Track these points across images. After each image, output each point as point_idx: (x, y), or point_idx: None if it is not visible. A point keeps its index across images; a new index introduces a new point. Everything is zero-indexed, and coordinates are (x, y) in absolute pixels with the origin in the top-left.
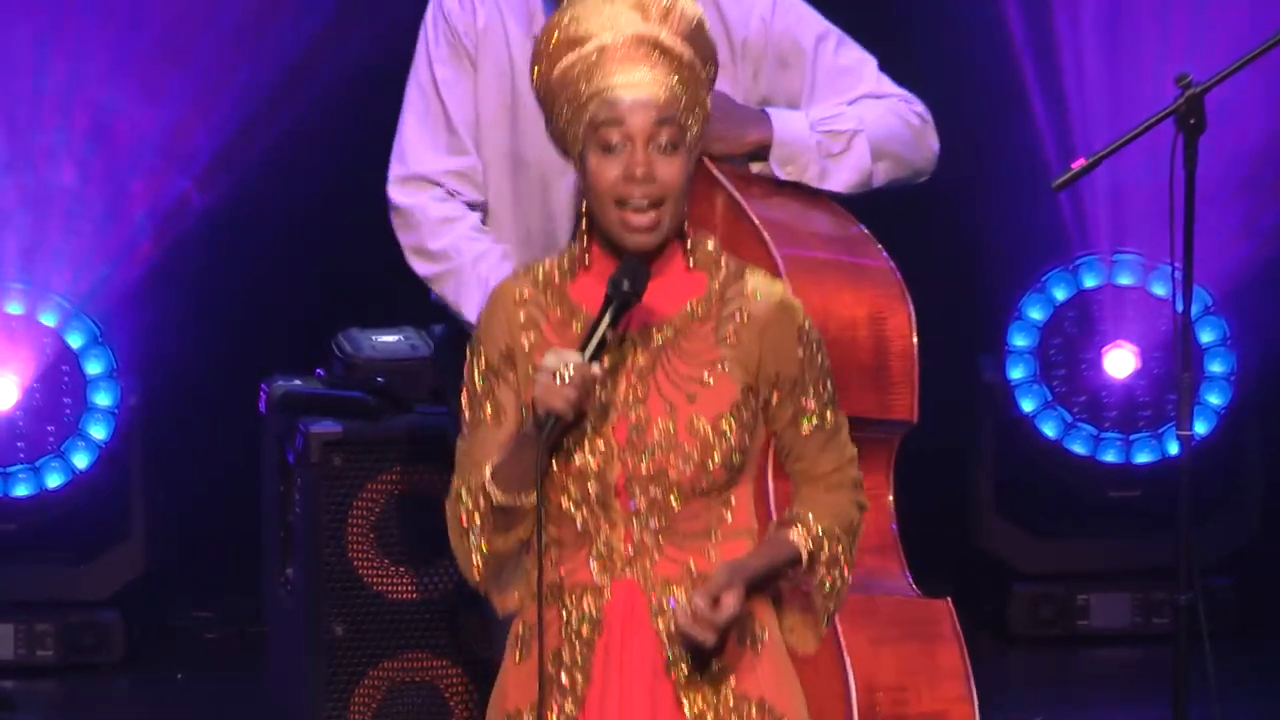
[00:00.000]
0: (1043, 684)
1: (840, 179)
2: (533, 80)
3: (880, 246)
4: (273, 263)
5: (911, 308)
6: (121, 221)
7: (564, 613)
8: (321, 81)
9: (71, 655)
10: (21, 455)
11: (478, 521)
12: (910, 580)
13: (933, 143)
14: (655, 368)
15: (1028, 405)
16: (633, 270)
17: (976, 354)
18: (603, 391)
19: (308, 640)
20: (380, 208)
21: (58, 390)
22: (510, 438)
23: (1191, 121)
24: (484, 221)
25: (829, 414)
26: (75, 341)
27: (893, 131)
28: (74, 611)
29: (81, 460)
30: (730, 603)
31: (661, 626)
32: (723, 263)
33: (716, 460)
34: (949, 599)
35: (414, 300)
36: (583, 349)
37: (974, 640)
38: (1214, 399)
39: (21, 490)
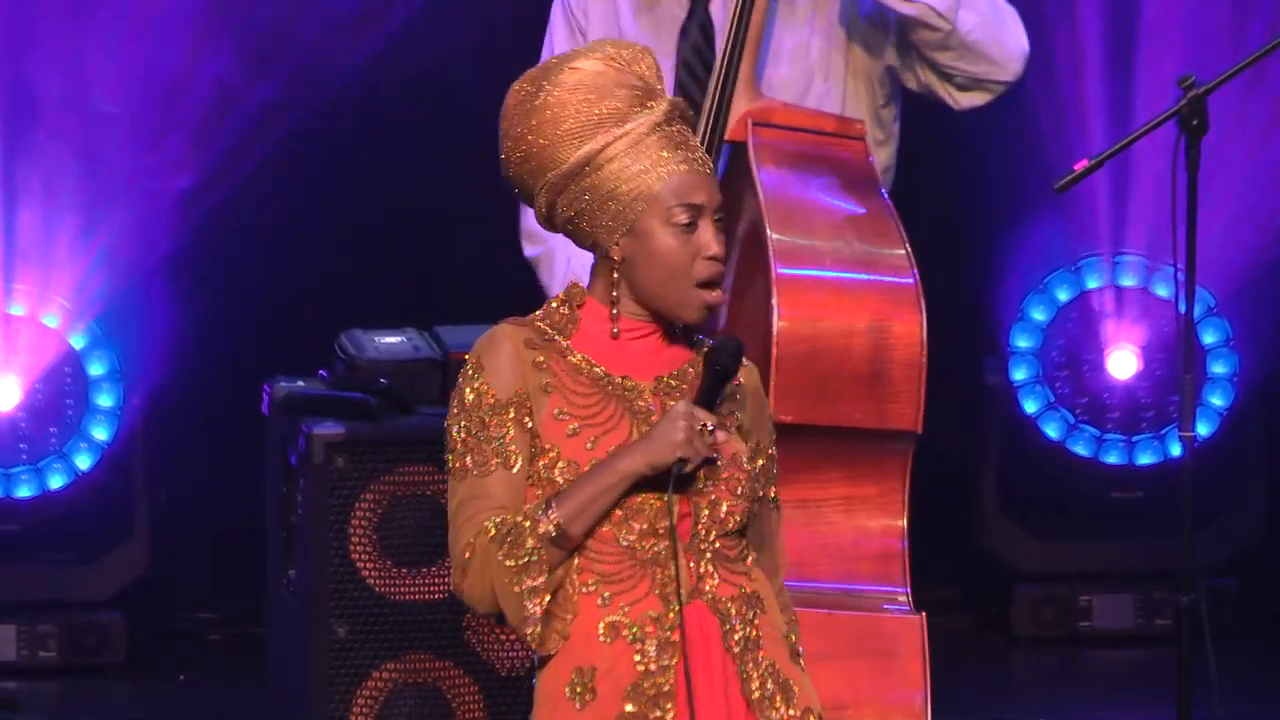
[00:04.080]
0: (1045, 685)
1: None
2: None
3: (904, 236)
4: (275, 263)
5: (923, 315)
6: (124, 222)
7: (635, 646)
8: (327, 83)
9: (74, 656)
10: (24, 456)
11: (540, 556)
12: (908, 592)
13: (1023, 36)
14: None
15: (1030, 406)
16: (731, 346)
17: (979, 355)
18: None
19: (310, 641)
20: (381, 209)
21: (60, 391)
22: (549, 474)
23: (1194, 123)
24: None
25: (779, 494)
26: (78, 342)
27: None
28: (76, 612)
29: (84, 461)
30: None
31: (734, 644)
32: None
33: (750, 492)
34: (923, 614)
35: (416, 301)
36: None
37: (977, 641)
38: (1216, 400)
39: (24, 491)
